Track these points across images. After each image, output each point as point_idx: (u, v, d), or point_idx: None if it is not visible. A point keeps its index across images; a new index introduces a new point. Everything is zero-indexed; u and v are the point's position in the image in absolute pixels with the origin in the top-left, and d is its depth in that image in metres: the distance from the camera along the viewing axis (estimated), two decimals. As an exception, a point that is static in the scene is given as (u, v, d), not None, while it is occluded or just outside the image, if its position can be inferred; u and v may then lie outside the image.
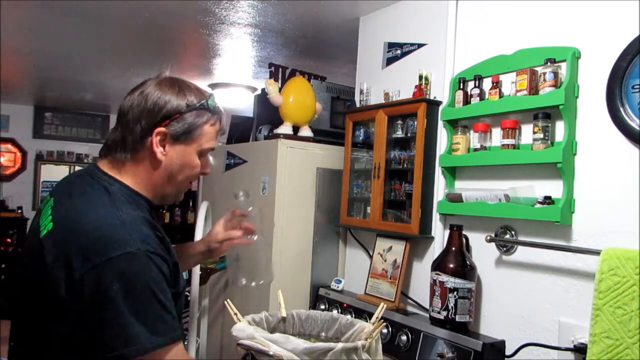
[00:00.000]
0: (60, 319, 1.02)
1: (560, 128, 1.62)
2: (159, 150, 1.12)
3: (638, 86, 1.42)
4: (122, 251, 0.98)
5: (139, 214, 1.10)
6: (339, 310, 2.20)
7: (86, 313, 0.98)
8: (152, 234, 1.07)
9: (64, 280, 1.00)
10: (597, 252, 1.40)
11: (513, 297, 1.75)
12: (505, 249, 1.78)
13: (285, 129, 2.58)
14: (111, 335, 0.97)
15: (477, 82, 1.85)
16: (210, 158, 1.36)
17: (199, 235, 2.50)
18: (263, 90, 2.91)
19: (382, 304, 1.39)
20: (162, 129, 1.11)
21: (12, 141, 6.26)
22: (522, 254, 1.73)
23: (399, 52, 2.31)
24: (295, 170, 2.46)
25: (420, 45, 2.20)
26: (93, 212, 1.05)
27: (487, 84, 1.83)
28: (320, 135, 2.71)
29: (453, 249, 1.79)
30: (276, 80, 2.81)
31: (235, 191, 1.57)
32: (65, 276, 1.00)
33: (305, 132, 2.62)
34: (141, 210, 1.12)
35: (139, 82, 1.20)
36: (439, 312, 1.76)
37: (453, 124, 1.93)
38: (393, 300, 2.07)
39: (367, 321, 1.36)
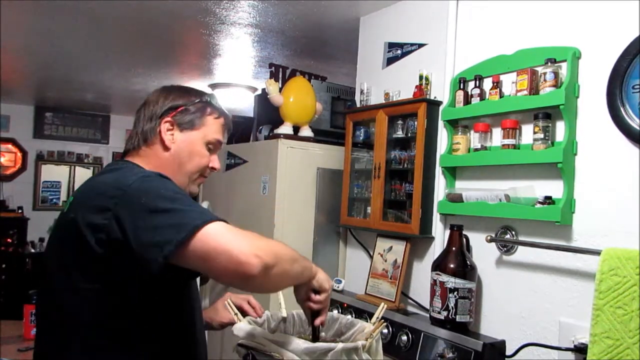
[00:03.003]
0: (95, 278, 1.05)
1: (560, 128, 1.62)
2: (167, 137, 1.23)
3: (638, 86, 1.42)
4: (135, 178, 1.07)
5: None
6: (339, 310, 2.20)
7: (130, 239, 0.99)
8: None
9: (93, 230, 1.03)
10: (597, 252, 1.40)
11: (513, 297, 1.74)
12: (505, 249, 1.78)
13: (286, 129, 2.58)
14: (162, 231, 0.97)
15: (477, 82, 1.85)
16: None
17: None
18: (263, 90, 2.91)
19: (382, 304, 1.39)
20: (169, 118, 1.24)
21: (13, 141, 6.26)
22: (522, 254, 1.73)
23: (399, 52, 2.30)
24: (296, 170, 2.46)
25: (420, 45, 2.20)
26: (108, 174, 1.16)
27: (487, 84, 1.83)
28: (321, 135, 2.71)
29: (453, 249, 1.79)
30: (276, 80, 2.81)
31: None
32: (93, 226, 1.03)
33: (306, 132, 2.62)
34: None
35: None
36: (439, 312, 1.76)
37: (453, 124, 1.93)
38: (393, 300, 2.07)
39: (367, 321, 1.36)
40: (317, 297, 1.19)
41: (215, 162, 1.32)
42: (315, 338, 1.26)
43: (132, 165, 1.20)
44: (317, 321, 1.22)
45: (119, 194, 1.03)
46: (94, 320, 1.07)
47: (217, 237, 0.97)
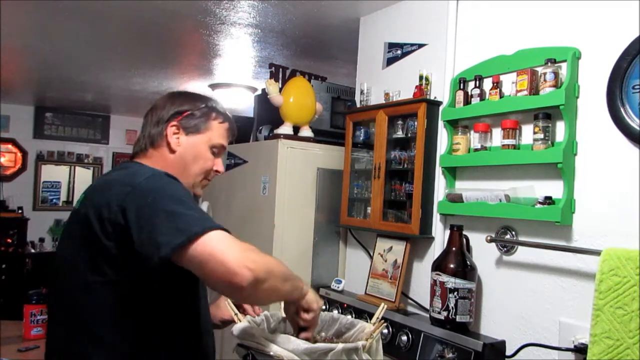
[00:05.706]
0: (103, 271, 1.09)
1: (560, 128, 1.62)
2: (173, 140, 1.27)
3: (638, 86, 1.42)
4: (145, 176, 1.12)
5: None
6: (340, 311, 2.20)
7: (132, 233, 1.03)
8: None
9: (102, 223, 1.07)
10: (597, 253, 1.40)
11: (513, 298, 1.74)
12: (505, 249, 1.78)
13: (286, 129, 2.57)
14: (162, 233, 1.00)
15: (477, 82, 1.85)
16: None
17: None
18: (263, 90, 2.91)
19: (382, 304, 1.39)
20: (175, 122, 1.28)
21: (13, 141, 6.26)
22: (522, 254, 1.73)
23: (399, 52, 2.30)
24: (296, 171, 2.46)
25: (420, 46, 2.20)
26: (119, 172, 1.22)
27: (487, 84, 1.83)
28: (321, 136, 2.71)
29: (453, 249, 1.79)
30: (276, 80, 2.81)
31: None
32: (102, 219, 1.07)
33: (306, 132, 2.62)
34: None
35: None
36: (439, 313, 1.76)
37: (453, 124, 1.93)
38: (393, 300, 2.07)
39: (367, 321, 1.36)
40: (305, 316, 1.22)
41: (219, 165, 1.35)
42: None
43: (143, 165, 1.24)
44: (302, 336, 1.24)
45: (128, 190, 1.07)
46: (101, 313, 1.10)
47: (214, 245, 0.99)
